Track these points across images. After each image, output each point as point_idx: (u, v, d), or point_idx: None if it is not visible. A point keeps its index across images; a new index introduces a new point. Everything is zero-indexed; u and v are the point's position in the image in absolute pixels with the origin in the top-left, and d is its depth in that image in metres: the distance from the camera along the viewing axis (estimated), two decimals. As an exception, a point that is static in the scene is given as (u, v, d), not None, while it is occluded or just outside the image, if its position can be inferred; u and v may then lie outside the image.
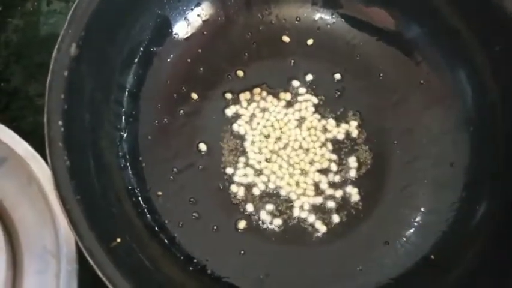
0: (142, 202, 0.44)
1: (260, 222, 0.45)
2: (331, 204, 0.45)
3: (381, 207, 0.45)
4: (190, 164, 0.46)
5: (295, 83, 0.49)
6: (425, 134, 0.47)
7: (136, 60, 0.47)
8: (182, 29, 0.49)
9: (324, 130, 0.48)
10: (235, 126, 0.47)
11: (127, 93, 0.46)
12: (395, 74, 0.49)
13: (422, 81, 0.48)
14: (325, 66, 0.49)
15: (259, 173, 0.46)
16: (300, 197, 0.45)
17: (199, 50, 0.49)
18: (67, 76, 0.40)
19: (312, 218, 0.45)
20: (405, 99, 0.48)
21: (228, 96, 0.48)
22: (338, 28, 0.50)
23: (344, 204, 0.45)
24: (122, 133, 0.45)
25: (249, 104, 0.48)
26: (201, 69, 0.49)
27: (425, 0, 0.47)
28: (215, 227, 0.44)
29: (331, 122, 0.48)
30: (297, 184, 0.46)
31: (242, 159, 0.46)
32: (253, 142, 0.47)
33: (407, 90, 0.48)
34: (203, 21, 0.50)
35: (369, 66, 0.49)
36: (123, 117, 0.46)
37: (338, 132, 0.47)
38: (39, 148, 0.42)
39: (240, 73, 0.49)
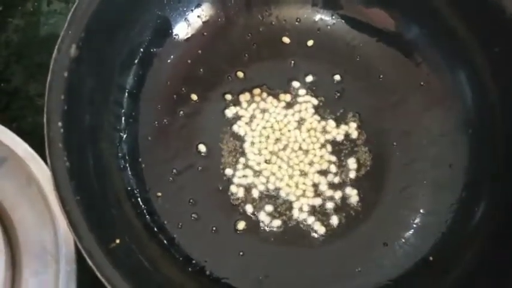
0: (141, 203, 0.44)
1: (259, 223, 0.45)
2: (330, 205, 0.45)
3: (380, 208, 0.45)
4: (190, 165, 0.46)
5: (295, 84, 0.49)
6: (425, 135, 0.47)
7: (136, 61, 0.47)
8: (182, 30, 0.49)
9: (324, 131, 0.48)
10: (234, 127, 0.47)
11: (126, 94, 0.46)
12: (395, 75, 0.49)
13: (421, 83, 0.48)
14: (325, 68, 0.49)
15: (258, 174, 0.46)
16: (300, 198, 0.45)
17: (199, 51, 0.49)
18: (67, 77, 0.40)
19: (311, 219, 0.45)
20: (405, 101, 0.48)
21: (228, 97, 0.48)
22: (338, 29, 0.50)
23: (343, 205, 0.45)
24: (121, 134, 0.45)
25: (248, 105, 0.48)
26: (201, 70, 0.49)
27: (425, 1, 0.47)
28: (214, 228, 0.44)
29: (331, 123, 0.48)
30: (297, 185, 0.46)
31: (242, 160, 0.46)
32: (252, 143, 0.47)
33: (406, 91, 0.48)
34: (203, 22, 0.50)
35: (369, 67, 0.49)
36: (123, 118, 0.46)
37: (338, 133, 0.47)
38: (39, 148, 0.42)
39: (240, 74, 0.49)
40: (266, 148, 0.47)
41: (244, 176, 0.46)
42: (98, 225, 0.38)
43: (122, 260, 0.38)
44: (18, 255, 0.42)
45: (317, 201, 0.45)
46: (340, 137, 0.47)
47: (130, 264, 0.39)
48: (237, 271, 0.43)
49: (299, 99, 0.48)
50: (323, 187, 0.46)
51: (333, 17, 0.50)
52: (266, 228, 0.45)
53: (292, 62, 0.49)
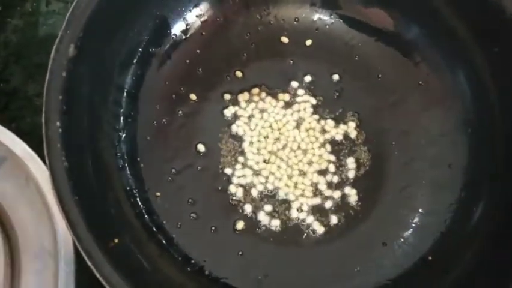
0: (140, 203, 0.44)
1: (258, 223, 0.45)
2: (329, 205, 0.45)
3: (379, 208, 0.45)
4: (189, 165, 0.46)
5: (294, 84, 0.49)
6: (424, 135, 0.47)
7: (134, 61, 0.47)
8: (180, 29, 0.49)
9: (323, 131, 0.48)
10: (233, 127, 0.47)
11: (125, 93, 0.46)
12: (394, 75, 0.49)
13: (420, 82, 0.48)
14: (324, 67, 0.49)
15: (257, 173, 0.46)
16: (299, 197, 0.45)
17: (198, 51, 0.49)
18: (65, 77, 0.40)
19: (310, 219, 0.45)
20: (404, 100, 0.48)
21: (227, 97, 0.48)
22: (337, 29, 0.50)
23: (342, 205, 0.45)
24: (120, 134, 0.45)
25: (247, 104, 0.48)
26: (200, 70, 0.49)
27: (424, 0, 0.47)
28: (213, 228, 0.44)
29: (329, 123, 0.48)
30: (296, 185, 0.46)
31: (240, 160, 0.46)
32: (251, 143, 0.47)
33: (405, 91, 0.48)
34: (202, 22, 0.50)
35: (368, 67, 0.49)
36: (121, 118, 0.46)
37: (337, 133, 0.47)
38: (38, 149, 0.42)
39: (239, 74, 0.49)
40: (265, 148, 0.47)
41: (243, 175, 0.46)
42: (96, 225, 0.38)
43: (121, 260, 0.38)
44: (17, 255, 0.42)
45: (316, 201, 0.45)
46: (339, 137, 0.47)
47: (128, 264, 0.39)
48: (236, 271, 0.43)
49: (298, 99, 0.48)
50: (322, 187, 0.46)
51: (332, 17, 0.50)
52: (265, 228, 0.45)
53: (291, 61, 0.49)
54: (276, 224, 0.45)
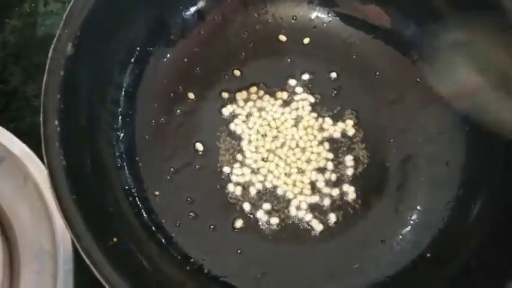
0: (139, 202, 0.44)
1: (257, 221, 0.45)
2: (328, 202, 0.45)
3: (377, 205, 0.45)
4: (187, 164, 0.46)
5: (292, 82, 0.49)
6: (422, 132, 0.47)
7: (132, 60, 0.47)
8: (179, 28, 0.49)
9: (321, 129, 0.48)
10: (231, 126, 0.47)
11: (123, 92, 0.46)
12: (392, 73, 0.49)
13: (418, 80, 0.48)
14: (321, 65, 0.49)
15: (256, 172, 0.46)
16: (297, 195, 0.46)
17: (196, 50, 0.49)
18: (63, 76, 0.40)
19: (308, 217, 0.45)
20: (402, 98, 0.48)
21: (225, 95, 0.48)
22: (334, 27, 0.50)
23: (340, 203, 0.45)
24: (118, 133, 0.45)
25: (245, 103, 0.48)
26: (198, 68, 0.49)
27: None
28: (212, 227, 0.44)
29: (327, 121, 0.48)
30: (294, 183, 0.46)
31: (239, 158, 0.46)
32: (250, 141, 0.47)
33: (403, 88, 0.48)
34: (199, 21, 0.50)
35: (366, 64, 0.49)
36: (120, 117, 0.46)
37: (335, 131, 0.47)
38: (37, 149, 0.42)
39: (237, 72, 0.49)
40: (263, 146, 0.47)
41: (241, 174, 0.46)
42: (95, 224, 0.38)
43: (120, 259, 0.38)
44: (15, 254, 0.42)
45: (315, 199, 0.45)
46: (337, 135, 0.47)
47: (128, 263, 0.39)
48: (235, 269, 0.43)
49: (296, 97, 0.48)
50: (320, 184, 0.46)
51: (329, 15, 0.50)
52: (264, 226, 0.45)
53: (289, 59, 0.49)
54: (274, 222, 0.45)
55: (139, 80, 0.47)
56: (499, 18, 0.43)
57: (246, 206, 0.45)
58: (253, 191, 0.46)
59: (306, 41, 0.50)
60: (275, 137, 0.47)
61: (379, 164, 0.46)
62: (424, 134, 0.47)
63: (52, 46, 0.40)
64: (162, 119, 0.47)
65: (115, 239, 0.39)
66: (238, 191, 0.45)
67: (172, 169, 0.46)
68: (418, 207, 0.45)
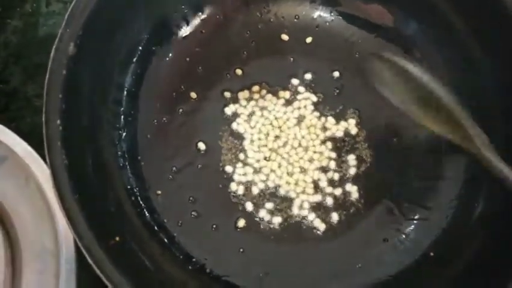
0: (141, 201, 0.44)
1: (259, 220, 0.45)
2: (330, 202, 0.45)
3: (380, 204, 0.45)
4: (189, 163, 0.46)
5: (294, 81, 0.49)
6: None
7: (134, 60, 0.47)
8: (180, 28, 0.49)
9: (324, 128, 0.47)
10: (234, 125, 0.47)
11: (125, 92, 0.46)
12: (394, 72, 0.49)
13: (420, 79, 0.48)
14: (324, 64, 0.49)
15: (258, 171, 0.46)
16: (300, 195, 0.45)
17: (198, 49, 0.49)
18: (65, 75, 0.40)
19: (311, 216, 0.45)
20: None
21: (227, 95, 0.48)
22: (337, 26, 0.50)
23: (343, 202, 0.45)
24: (121, 132, 0.45)
25: (247, 102, 0.48)
26: (200, 68, 0.49)
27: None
28: (214, 226, 0.44)
29: (330, 120, 0.48)
30: (297, 182, 0.46)
31: (241, 157, 0.46)
32: (252, 141, 0.47)
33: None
34: (201, 20, 0.50)
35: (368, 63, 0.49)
36: (122, 117, 0.46)
37: (337, 130, 0.47)
38: (38, 148, 0.42)
39: (239, 72, 0.49)
40: (266, 145, 0.47)
41: (244, 173, 0.46)
42: (97, 224, 0.38)
43: (122, 258, 0.38)
44: (17, 253, 0.42)
45: (317, 198, 0.45)
46: (340, 134, 0.47)
47: (130, 262, 0.39)
48: (237, 269, 0.43)
49: (298, 96, 0.48)
50: (323, 184, 0.46)
51: (332, 14, 0.50)
52: (266, 225, 0.45)
53: (291, 59, 0.49)
54: (277, 221, 0.45)
55: (141, 80, 0.47)
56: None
57: (249, 206, 0.45)
58: (255, 190, 0.46)
59: (309, 40, 0.50)
60: (277, 136, 0.47)
61: (382, 163, 0.46)
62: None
63: (54, 46, 0.40)
64: (164, 119, 0.47)
65: (117, 238, 0.39)
66: (240, 190, 0.45)
67: (174, 168, 0.46)
68: (421, 206, 0.45)
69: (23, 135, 0.44)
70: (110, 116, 0.45)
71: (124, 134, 0.45)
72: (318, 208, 0.45)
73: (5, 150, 0.43)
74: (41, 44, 0.54)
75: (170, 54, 0.49)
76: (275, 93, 0.48)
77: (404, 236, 0.44)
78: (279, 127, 0.47)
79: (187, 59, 0.49)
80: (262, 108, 0.48)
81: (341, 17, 0.50)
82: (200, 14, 0.50)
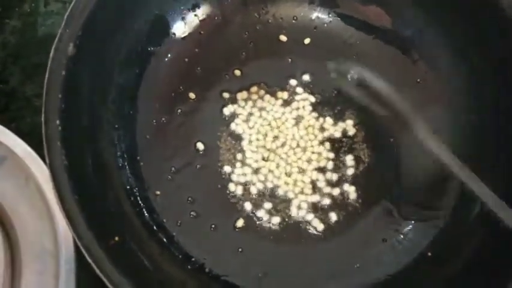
0: (140, 201, 0.44)
1: (258, 220, 0.45)
2: (329, 202, 0.45)
3: (378, 204, 0.45)
4: (188, 163, 0.46)
5: (293, 82, 0.49)
6: (422, 132, 0.47)
7: (133, 60, 0.47)
8: (179, 28, 0.49)
9: (322, 129, 0.48)
10: (232, 126, 0.47)
11: (124, 92, 0.46)
12: (392, 73, 0.49)
13: (418, 80, 0.48)
14: (322, 65, 0.49)
15: (257, 171, 0.46)
16: (298, 195, 0.46)
17: (197, 50, 0.49)
18: (65, 75, 0.40)
19: (309, 216, 0.45)
20: (402, 98, 0.48)
21: (226, 95, 0.48)
22: (335, 27, 0.50)
23: (341, 202, 0.45)
24: (120, 132, 0.45)
25: (246, 103, 0.48)
26: (198, 68, 0.49)
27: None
28: (213, 226, 0.44)
29: (328, 121, 0.48)
30: (295, 183, 0.46)
31: (240, 158, 0.47)
32: (250, 141, 0.47)
33: (403, 88, 0.48)
34: (200, 21, 0.50)
35: (366, 65, 0.49)
36: (121, 117, 0.46)
37: (335, 130, 0.47)
38: (38, 148, 0.42)
39: (237, 72, 0.49)
40: (264, 146, 0.47)
41: (242, 173, 0.46)
42: (97, 224, 0.38)
43: (122, 258, 0.38)
44: (17, 254, 0.42)
45: (315, 198, 0.46)
46: (338, 134, 0.47)
47: (129, 262, 0.39)
48: (236, 268, 0.43)
49: (297, 97, 0.48)
50: (321, 184, 0.46)
51: (330, 15, 0.50)
52: (265, 225, 0.45)
53: (290, 60, 0.49)
54: (275, 221, 0.45)
55: (140, 80, 0.47)
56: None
57: (247, 206, 0.45)
58: (254, 190, 0.46)
59: (307, 41, 0.50)
60: (276, 137, 0.47)
61: (379, 163, 0.46)
62: (425, 133, 0.47)
63: (54, 46, 0.40)
64: (163, 119, 0.47)
65: (116, 238, 0.39)
66: (239, 190, 0.46)
67: (173, 169, 0.46)
68: (420, 206, 0.45)
69: (22, 136, 0.44)
70: (109, 116, 0.45)
71: (123, 134, 0.45)
72: (317, 208, 0.45)
73: (4, 150, 0.43)
74: (40, 44, 0.54)
75: (169, 55, 0.49)
76: (273, 94, 0.49)
77: (402, 236, 0.44)
78: (278, 128, 0.48)
79: (186, 59, 0.49)
80: (261, 109, 0.48)
81: (339, 19, 0.50)
82: (199, 15, 0.50)
